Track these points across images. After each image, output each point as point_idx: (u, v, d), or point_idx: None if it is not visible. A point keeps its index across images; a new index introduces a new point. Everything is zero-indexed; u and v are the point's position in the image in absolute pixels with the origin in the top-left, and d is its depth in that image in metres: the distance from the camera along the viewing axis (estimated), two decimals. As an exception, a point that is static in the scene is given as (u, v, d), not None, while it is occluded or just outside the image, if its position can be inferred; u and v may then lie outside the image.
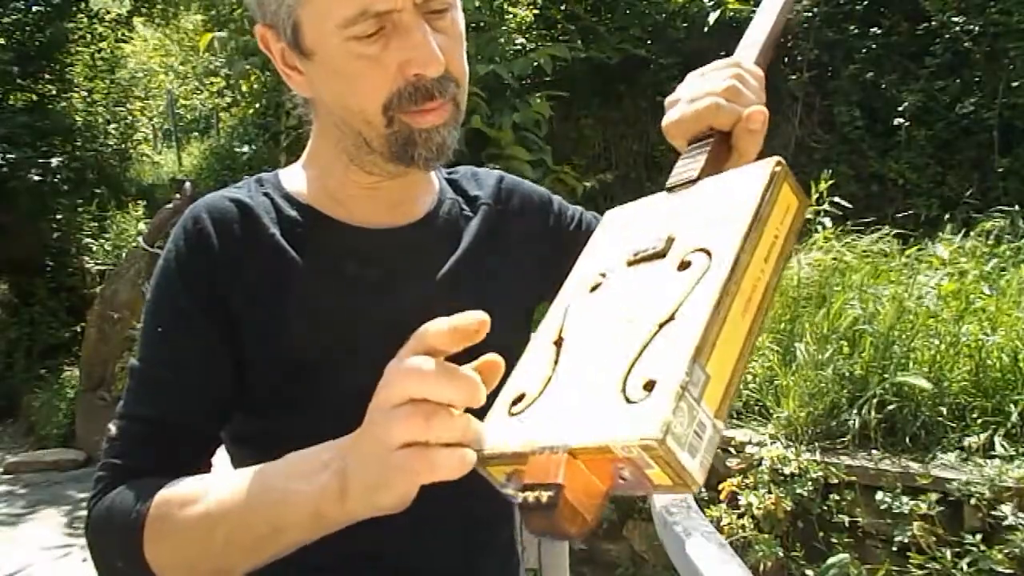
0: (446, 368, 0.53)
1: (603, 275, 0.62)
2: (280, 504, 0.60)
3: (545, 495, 0.46)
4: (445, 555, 0.85)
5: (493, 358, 0.57)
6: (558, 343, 0.58)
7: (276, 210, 0.81)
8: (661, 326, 0.51)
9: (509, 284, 0.88)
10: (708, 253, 0.55)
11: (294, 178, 0.86)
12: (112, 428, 0.76)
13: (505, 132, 4.71)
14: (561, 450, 0.48)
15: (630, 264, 0.60)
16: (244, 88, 6.39)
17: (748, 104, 0.69)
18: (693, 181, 0.65)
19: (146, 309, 0.79)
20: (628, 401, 0.48)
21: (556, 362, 0.57)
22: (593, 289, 0.61)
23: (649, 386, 0.48)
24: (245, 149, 8.28)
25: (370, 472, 0.54)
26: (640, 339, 0.52)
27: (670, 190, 0.66)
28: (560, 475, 0.47)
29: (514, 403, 0.56)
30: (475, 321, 0.54)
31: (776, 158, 0.60)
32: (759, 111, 0.68)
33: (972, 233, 4.01)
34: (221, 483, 0.65)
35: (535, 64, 5.15)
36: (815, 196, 3.80)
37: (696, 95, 0.70)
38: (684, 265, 0.55)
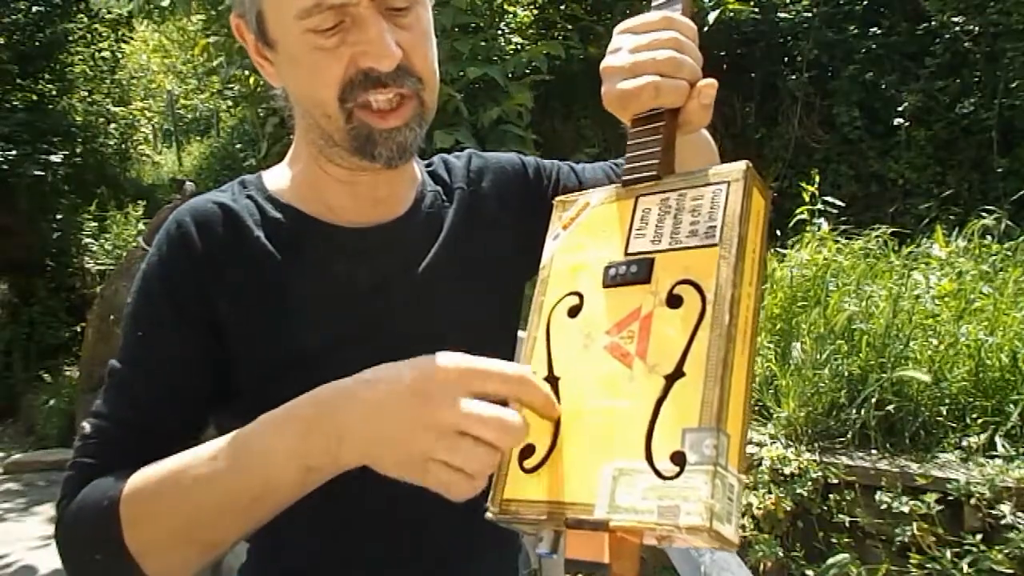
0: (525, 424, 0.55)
1: (579, 295, 0.59)
2: (267, 466, 0.60)
3: None
4: (445, 537, 0.85)
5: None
6: (551, 381, 0.57)
7: (260, 212, 0.81)
8: (668, 379, 0.50)
9: (489, 270, 0.88)
10: (697, 288, 0.52)
11: (277, 179, 0.86)
12: (86, 426, 0.76)
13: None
14: (602, 527, 0.49)
15: (607, 287, 0.57)
16: (243, 89, 6.40)
17: (691, 74, 0.64)
18: (654, 178, 0.60)
19: (127, 311, 0.79)
20: (659, 475, 0.48)
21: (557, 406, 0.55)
22: (571, 313, 0.59)
23: (678, 459, 0.48)
24: (246, 152, 8.29)
25: (391, 451, 0.56)
26: (650, 394, 0.51)
27: (626, 184, 0.62)
28: (605, 555, 0.48)
29: (524, 454, 0.55)
30: (555, 414, 0.56)
31: (744, 163, 0.56)
32: (711, 85, 0.63)
33: (966, 233, 4.01)
34: (201, 453, 0.65)
35: (531, 63, 5.12)
36: (808, 195, 3.81)
37: (634, 68, 0.64)
38: (675, 301, 0.53)
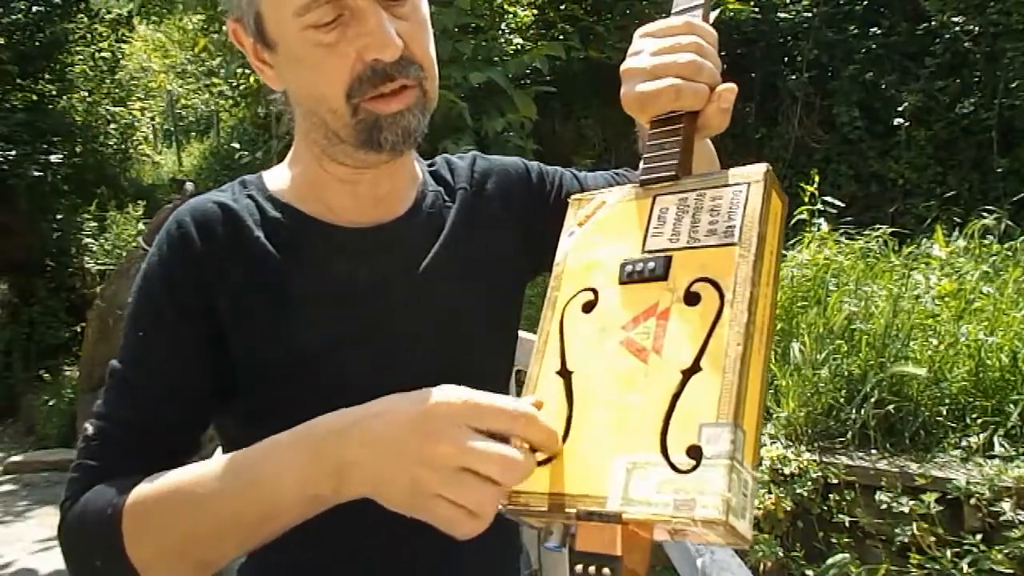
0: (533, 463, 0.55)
1: (593, 291, 0.59)
2: (271, 493, 0.60)
3: (606, 570, 0.48)
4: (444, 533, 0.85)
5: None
6: (564, 374, 0.57)
7: (260, 212, 0.81)
8: (685, 374, 0.50)
9: (490, 269, 0.88)
10: (716, 285, 0.52)
11: (278, 179, 0.86)
12: (89, 428, 0.76)
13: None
14: (615, 519, 0.48)
15: (623, 283, 0.57)
16: (242, 88, 6.41)
17: (711, 78, 0.64)
18: (672, 178, 0.60)
19: (128, 311, 0.79)
20: (675, 468, 0.48)
21: (570, 400, 0.55)
22: (586, 308, 0.59)
23: (694, 453, 0.47)
24: (245, 152, 8.29)
25: (394, 487, 0.56)
26: (665, 388, 0.51)
27: (644, 184, 0.62)
28: (618, 547, 0.48)
29: (535, 447, 0.54)
30: (557, 448, 0.55)
31: (764, 166, 0.56)
32: (730, 89, 0.64)
33: (966, 233, 4.01)
34: (204, 475, 0.64)
35: (532, 65, 5.12)
36: (807, 196, 3.82)
37: (655, 70, 0.65)
38: (692, 298, 0.53)
